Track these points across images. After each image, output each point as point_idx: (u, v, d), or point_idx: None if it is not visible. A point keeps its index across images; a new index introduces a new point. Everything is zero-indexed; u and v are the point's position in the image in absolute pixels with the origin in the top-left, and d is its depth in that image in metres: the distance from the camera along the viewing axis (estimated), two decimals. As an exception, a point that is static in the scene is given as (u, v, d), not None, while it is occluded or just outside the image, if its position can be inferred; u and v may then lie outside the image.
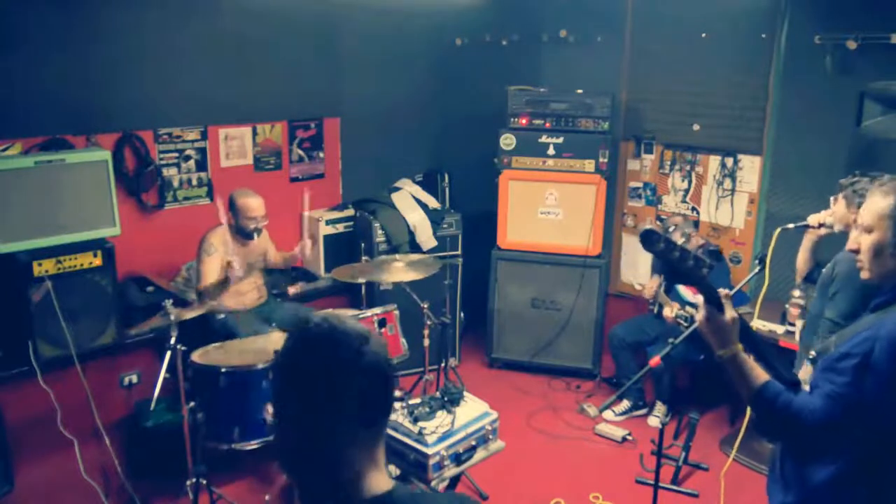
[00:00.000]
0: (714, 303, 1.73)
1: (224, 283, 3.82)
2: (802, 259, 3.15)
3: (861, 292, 2.46)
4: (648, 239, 1.57)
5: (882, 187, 1.79)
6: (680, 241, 1.57)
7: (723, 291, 1.74)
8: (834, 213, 2.86)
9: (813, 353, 1.90)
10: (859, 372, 1.64)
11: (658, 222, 5.14)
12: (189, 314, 3.27)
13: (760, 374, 1.73)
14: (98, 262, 3.61)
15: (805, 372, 2.63)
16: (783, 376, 1.83)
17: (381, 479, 1.19)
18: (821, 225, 2.93)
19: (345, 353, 1.15)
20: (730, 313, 1.73)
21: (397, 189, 5.09)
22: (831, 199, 2.91)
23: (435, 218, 4.93)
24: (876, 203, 1.78)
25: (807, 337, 2.93)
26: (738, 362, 1.73)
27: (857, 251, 1.83)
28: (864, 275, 1.82)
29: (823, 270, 2.88)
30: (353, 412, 1.15)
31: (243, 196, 3.90)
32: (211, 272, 3.82)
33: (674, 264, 1.59)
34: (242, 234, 3.93)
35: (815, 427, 1.67)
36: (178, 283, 4.27)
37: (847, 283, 2.63)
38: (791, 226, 3.01)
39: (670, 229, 1.59)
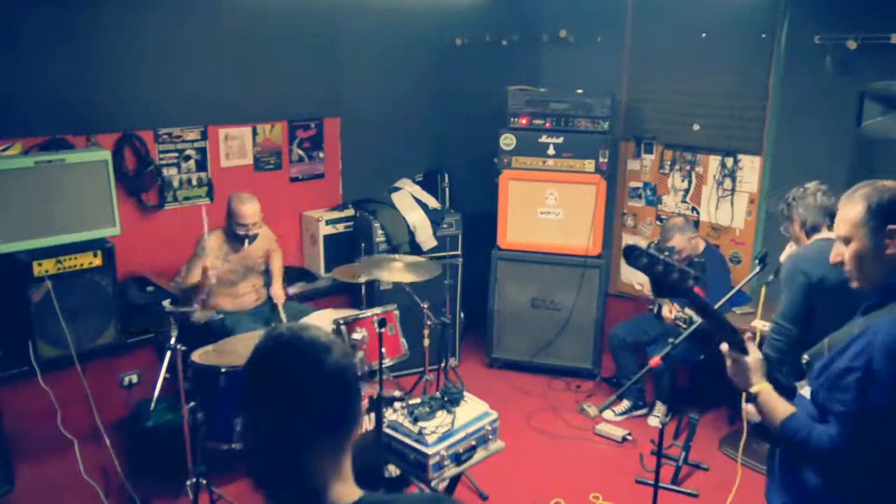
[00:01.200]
0: (737, 346, 1.77)
1: (196, 290, 3.74)
2: None
3: (798, 294, 2.79)
4: (631, 255, 1.57)
5: (853, 195, 1.77)
6: (663, 254, 1.57)
7: (746, 334, 1.78)
8: (791, 239, 3.08)
9: (806, 356, 1.89)
10: (863, 386, 1.63)
11: (658, 223, 5.14)
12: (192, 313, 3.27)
13: (783, 411, 1.76)
14: (98, 262, 3.62)
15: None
16: (781, 383, 1.84)
17: (346, 490, 1.19)
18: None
19: (306, 362, 1.16)
20: (754, 355, 1.78)
21: (397, 189, 5.09)
22: (781, 229, 3.11)
23: (435, 218, 4.93)
24: (848, 212, 1.76)
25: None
26: (761, 400, 1.78)
27: (842, 263, 1.81)
28: (854, 284, 1.81)
29: None
30: (315, 421, 1.15)
31: (238, 201, 3.89)
32: (195, 274, 3.83)
33: (659, 278, 1.59)
34: (234, 238, 3.91)
35: (837, 454, 1.67)
36: (178, 283, 4.27)
37: (784, 286, 2.83)
38: (772, 277, 3.13)
39: (651, 247, 1.59)
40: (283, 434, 1.15)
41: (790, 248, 3.15)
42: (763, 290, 3.08)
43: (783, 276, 2.92)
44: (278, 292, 4.21)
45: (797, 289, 2.86)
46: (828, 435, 1.67)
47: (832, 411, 1.68)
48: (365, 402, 3.07)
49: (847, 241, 1.77)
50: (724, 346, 1.81)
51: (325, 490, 1.16)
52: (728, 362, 1.81)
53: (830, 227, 3.00)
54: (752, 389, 1.77)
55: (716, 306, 1.82)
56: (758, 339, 3.05)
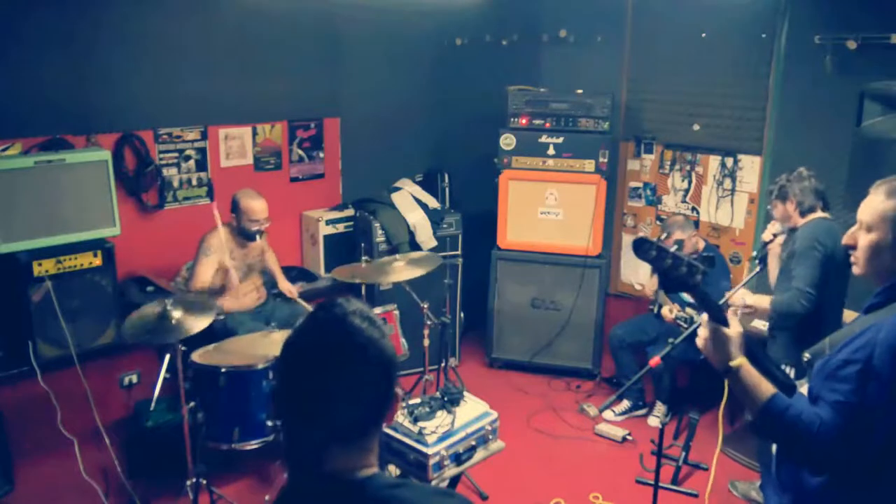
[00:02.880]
0: (718, 318, 1.71)
1: (220, 291, 3.85)
2: (775, 274, 3.46)
3: (816, 263, 3.08)
4: (640, 247, 1.55)
5: (883, 186, 1.75)
6: (672, 248, 1.56)
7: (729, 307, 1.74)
8: (776, 215, 3.35)
9: (807, 355, 1.88)
10: (862, 378, 1.62)
11: (658, 222, 5.14)
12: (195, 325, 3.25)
13: (767, 388, 1.70)
14: (98, 262, 3.62)
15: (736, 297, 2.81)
16: (779, 379, 1.82)
17: (366, 470, 1.20)
18: (774, 236, 3.38)
19: (351, 351, 1.16)
20: (735, 327, 1.71)
21: (397, 189, 5.09)
22: (768, 207, 3.39)
23: (435, 218, 4.93)
24: (878, 203, 1.74)
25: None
26: (742, 375, 1.70)
27: (853, 247, 1.80)
28: (856, 270, 1.80)
29: (780, 252, 3.36)
30: (354, 408, 1.16)
31: (248, 198, 3.89)
32: (204, 273, 3.83)
33: (667, 272, 1.58)
34: (244, 235, 3.92)
35: (826, 439, 1.64)
36: (178, 283, 4.27)
37: (803, 256, 3.12)
38: (757, 254, 3.37)
39: (662, 237, 1.58)
40: (315, 420, 1.15)
41: (773, 227, 3.39)
42: (749, 265, 3.18)
43: (801, 248, 3.14)
44: (289, 287, 4.25)
45: (815, 258, 3.10)
46: (819, 418, 1.65)
47: (826, 400, 1.67)
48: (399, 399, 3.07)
49: (869, 228, 1.75)
50: (704, 317, 1.73)
51: (347, 473, 1.17)
52: (705, 333, 1.73)
53: (823, 209, 3.29)
54: (733, 364, 1.70)
55: None
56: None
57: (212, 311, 3.22)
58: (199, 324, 3.09)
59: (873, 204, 1.75)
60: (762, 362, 1.80)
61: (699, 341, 1.76)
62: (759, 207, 4.64)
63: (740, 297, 3.25)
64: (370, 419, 1.19)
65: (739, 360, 1.71)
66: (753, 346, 1.83)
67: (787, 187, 3.29)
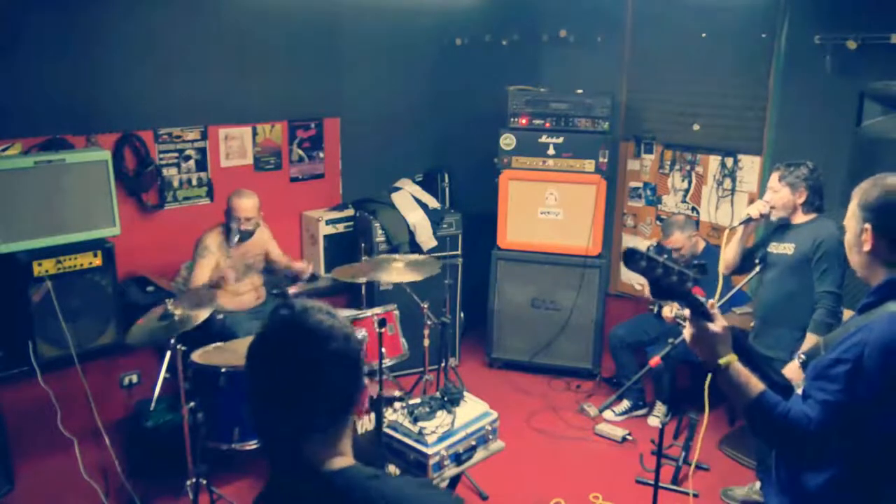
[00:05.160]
0: (702, 314, 1.69)
1: (216, 284, 3.81)
2: (734, 253, 3.43)
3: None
4: (630, 258, 1.56)
5: (858, 186, 1.81)
6: (662, 256, 1.56)
7: (709, 302, 1.72)
8: (775, 200, 3.28)
9: (802, 356, 1.89)
10: (851, 378, 1.63)
11: (658, 223, 5.14)
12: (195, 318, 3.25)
13: (756, 385, 1.70)
14: (98, 262, 3.62)
15: (791, 370, 2.68)
16: (775, 381, 1.82)
17: (341, 460, 1.24)
18: (761, 215, 3.31)
19: (310, 345, 1.20)
20: (720, 323, 1.70)
21: (397, 189, 5.09)
22: (770, 182, 3.32)
23: (435, 218, 4.93)
24: (851, 202, 1.82)
25: (792, 311, 3.21)
26: (732, 373, 1.70)
27: None
28: (858, 275, 1.86)
29: (790, 254, 3.23)
30: (318, 401, 1.20)
31: (236, 196, 3.89)
32: (202, 275, 3.82)
33: (657, 281, 1.58)
34: (229, 234, 3.89)
35: (813, 436, 1.65)
36: (178, 283, 4.27)
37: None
38: (738, 224, 3.36)
39: (651, 249, 1.57)
40: (287, 414, 1.20)
41: (763, 207, 3.30)
42: (717, 294, 3.11)
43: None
44: (303, 265, 4.25)
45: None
46: (807, 416, 1.66)
47: (815, 398, 1.68)
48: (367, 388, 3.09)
49: (846, 230, 1.83)
50: (687, 312, 1.71)
51: (323, 464, 1.22)
52: (691, 331, 1.71)
53: (821, 209, 3.28)
54: (722, 361, 1.69)
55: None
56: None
57: (211, 304, 3.25)
58: (200, 315, 3.14)
59: (849, 206, 1.83)
60: (758, 363, 1.81)
61: (687, 338, 1.76)
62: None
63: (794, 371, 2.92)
64: (340, 407, 1.23)
65: (728, 359, 1.70)
66: (749, 347, 1.84)
67: (802, 181, 3.24)
